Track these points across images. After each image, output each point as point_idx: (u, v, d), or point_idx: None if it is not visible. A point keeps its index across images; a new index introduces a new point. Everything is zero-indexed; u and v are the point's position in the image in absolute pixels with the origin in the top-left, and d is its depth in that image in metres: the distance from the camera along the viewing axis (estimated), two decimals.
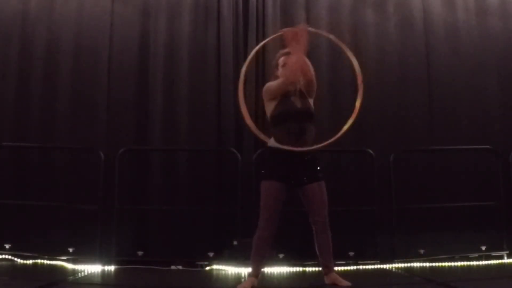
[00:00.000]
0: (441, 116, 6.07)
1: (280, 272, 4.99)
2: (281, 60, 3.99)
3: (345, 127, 3.94)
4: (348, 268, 5.03)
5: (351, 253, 5.39)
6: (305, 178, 3.83)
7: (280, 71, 3.99)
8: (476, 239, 5.54)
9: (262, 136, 4.03)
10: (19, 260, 5.27)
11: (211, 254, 5.36)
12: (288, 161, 3.79)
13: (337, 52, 6.07)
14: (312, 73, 3.89)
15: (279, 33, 3.94)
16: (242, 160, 5.51)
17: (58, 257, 5.27)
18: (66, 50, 5.94)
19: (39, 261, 5.26)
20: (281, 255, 5.26)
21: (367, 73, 5.99)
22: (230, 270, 5.06)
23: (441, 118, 6.07)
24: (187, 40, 6.02)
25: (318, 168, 3.91)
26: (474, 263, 5.33)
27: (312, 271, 5.00)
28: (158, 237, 5.65)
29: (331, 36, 4.15)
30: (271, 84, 3.95)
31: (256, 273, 3.89)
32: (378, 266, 5.21)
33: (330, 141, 3.85)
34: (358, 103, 3.94)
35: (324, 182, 3.89)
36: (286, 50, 3.97)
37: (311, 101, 3.98)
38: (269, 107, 3.95)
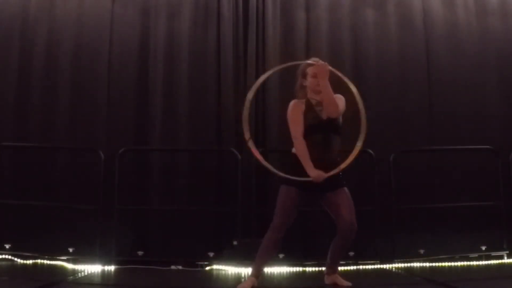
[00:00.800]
0: (441, 116, 6.07)
1: (280, 272, 4.99)
2: (310, 69, 3.84)
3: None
4: (348, 268, 5.02)
5: (351, 253, 5.38)
6: (327, 186, 3.76)
7: (309, 81, 3.85)
8: (476, 239, 5.54)
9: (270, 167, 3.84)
10: (19, 260, 5.26)
11: (211, 254, 5.36)
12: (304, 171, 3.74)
13: (338, 52, 6.10)
14: (341, 109, 3.82)
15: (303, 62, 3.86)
16: (242, 160, 5.51)
17: (58, 257, 5.26)
18: (66, 50, 5.94)
19: (39, 261, 5.25)
20: (281, 255, 5.26)
21: (367, 73, 6.08)
22: (230, 270, 5.06)
23: (441, 118, 6.06)
24: (187, 40, 6.02)
25: (341, 175, 3.85)
26: (474, 263, 5.33)
27: (312, 271, 5.00)
28: (158, 237, 5.65)
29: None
30: (295, 130, 3.79)
31: (257, 274, 3.89)
32: (378, 266, 5.21)
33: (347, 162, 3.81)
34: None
35: (347, 189, 3.83)
36: (314, 59, 3.87)
37: None
38: None
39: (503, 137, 5.99)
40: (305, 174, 3.71)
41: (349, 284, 3.84)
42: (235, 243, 5.26)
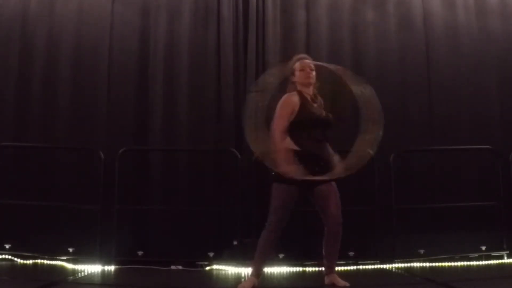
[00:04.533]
0: (441, 116, 6.07)
1: (280, 272, 4.99)
2: (297, 64, 3.98)
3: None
4: (348, 268, 5.03)
5: (351, 253, 5.39)
6: (318, 180, 3.80)
7: (297, 75, 3.96)
8: (476, 239, 5.54)
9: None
10: (19, 260, 5.27)
11: (211, 254, 5.36)
12: (300, 163, 3.77)
13: (338, 52, 6.10)
14: None
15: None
16: (242, 160, 5.51)
17: (58, 257, 5.26)
18: (66, 50, 5.94)
19: (39, 261, 5.25)
20: (281, 255, 5.26)
21: (367, 73, 6.08)
22: (230, 270, 5.06)
23: (441, 118, 6.06)
24: (187, 40, 6.02)
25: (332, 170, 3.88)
26: (474, 263, 5.33)
27: (312, 271, 5.00)
28: (158, 237, 5.65)
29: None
30: (279, 123, 3.85)
31: (258, 273, 3.90)
32: (378, 266, 5.21)
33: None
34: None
35: (335, 183, 3.89)
36: (301, 55, 4.00)
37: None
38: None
39: (503, 137, 5.99)
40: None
41: (347, 284, 3.84)
42: (235, 243, 5.26)
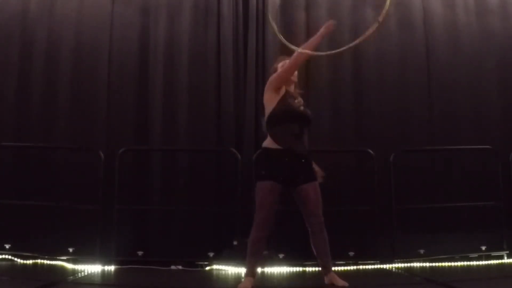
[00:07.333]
0: (441, 116, 6.07)
1: (280, 272, 4.99)
2: (280, 64, 4.03)
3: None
4: (348, 268, 5.03)
5: (351, 253, 5.39)
6: (300, 178, 3.85)
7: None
8: (476, 239, 5.54)
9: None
10: (19, 260, 5.27)
11: (211, 254, 5.36)
12: (283, 162, 3.79)
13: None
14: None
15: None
16: (242, 160, 5.51)
17: (58, 257, 5.27)
18: (66, 50, 5.94)
19: (39, 261, 5.26)
20: (281, 255, 5.26)
21: (367, 73, 6.09)
22: (230, 270, 5.06)
23: (441, 118, 6.07)
24: (187, 40, 6.02)
25: (313, 168, 3.94)
26: (474, 263, 5.34)
27: (312, 271, 5.00)
28: (158, 237, 5.65)
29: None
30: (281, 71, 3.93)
31: (253, 273, 3.92)
32: (378, 266, 5.22)
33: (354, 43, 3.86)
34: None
35: (318, 183, 3.91)
36: (284, 56, 4.03)
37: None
38: (270, 106, 3.94)
39: (503, 137, 6.00)
40: (279, 168, 3.77)
41: (346, 284, 3.85)
42: (235, 243, 5.26)
